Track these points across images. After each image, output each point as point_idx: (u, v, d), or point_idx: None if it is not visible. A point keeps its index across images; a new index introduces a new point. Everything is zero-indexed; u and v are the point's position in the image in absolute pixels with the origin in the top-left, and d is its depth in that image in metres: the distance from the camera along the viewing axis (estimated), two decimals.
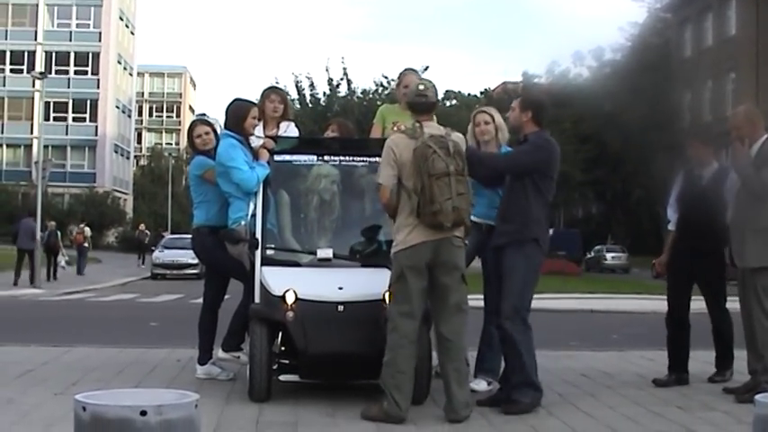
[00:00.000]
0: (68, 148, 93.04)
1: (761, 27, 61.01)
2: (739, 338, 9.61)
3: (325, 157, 9.40)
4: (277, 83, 52.86)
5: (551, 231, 74.55)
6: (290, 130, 10.28)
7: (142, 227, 64.19)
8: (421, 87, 8.32)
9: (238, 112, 9.42)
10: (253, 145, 9.40)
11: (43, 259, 37.43)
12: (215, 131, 10.00)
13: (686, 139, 10.36)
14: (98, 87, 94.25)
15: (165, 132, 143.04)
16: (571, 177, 66.93)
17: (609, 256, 69.52)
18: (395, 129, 9.86)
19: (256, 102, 9.92)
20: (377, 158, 8.44)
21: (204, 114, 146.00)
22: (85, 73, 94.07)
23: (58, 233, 41.67)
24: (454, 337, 7.95)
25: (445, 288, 7.93)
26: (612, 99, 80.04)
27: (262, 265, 8.77)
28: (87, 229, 49.80)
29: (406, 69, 10.37)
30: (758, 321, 9.03)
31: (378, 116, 10.45)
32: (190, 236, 10.73)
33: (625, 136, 76.20)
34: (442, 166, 7.68)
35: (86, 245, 46.87)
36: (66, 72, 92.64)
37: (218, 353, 9.80)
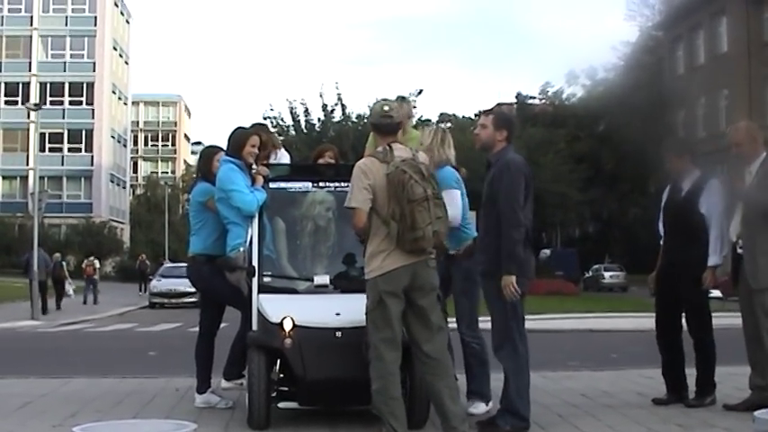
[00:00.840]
0: (64, 179, 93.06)
1: (752, 43, 61.19)
2: (741, 354, 9.56)
3: (320, 184, 9.41)
4: (272, 109, 53.19)
5: (548, 252, 74.90)
6: (281, 155, 10.31)
7: (143, 257, 64.87)
8: (386, 108, 8.09)
9: (239, 139, 9.49)
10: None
11: (51, 290, 39.11)
12: None
13: (663, 154, 10.29)
14: (93, 117, 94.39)
15: (161, 161, 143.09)
16: (567, 197, 67.03)
17: (607, 275, 69.65)
18: None
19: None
20: None
21: (200, 143, 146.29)
22: (80, 103, 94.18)
23: (63, 264, 43.76)
24: (440, 355, 7.86)
25: (424, 309, 7.82)
26: (606, 118, 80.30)
27: (259, 292, 8.77)
28: (96, 262, 51.07)
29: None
30: None
31: (369, 141, 10.43)
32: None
33: (620, 155, 76.43)
34: (421, 191, 7.54)
35: (96, 276, 48.07)
36: (61, 103, 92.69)
37: (221, 383, 9.77)
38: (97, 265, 50.32)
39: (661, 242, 10.10)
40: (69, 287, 43.63)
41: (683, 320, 9.84)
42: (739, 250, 9.31)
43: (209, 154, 10.10)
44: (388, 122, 8.05)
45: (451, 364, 8.10)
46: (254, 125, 10.65)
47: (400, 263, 7.65)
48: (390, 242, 7.63)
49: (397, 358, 7.76)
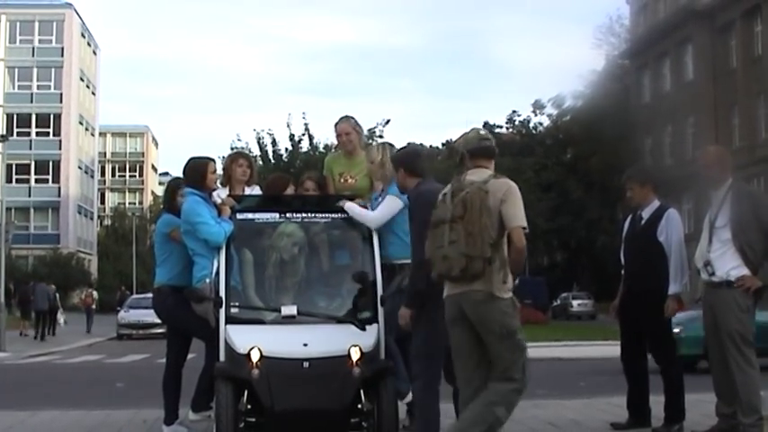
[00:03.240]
0: (31, 210, 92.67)
1: (718, 71, 61.73)
2: (709, 381, 9.58)
3: (288, 215, 9.40)
4: (239, 140, 53.10)
5: (517, 280, 75.13)
6: (254, 193, 10.32)
7: (123, 288, 66.74)
8: (482, 132, 7.94)
9: (198, 170, 9.49)
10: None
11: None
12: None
13: (624, 181, 10.34)
14: (60, 148, 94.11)
15: (129, 192, 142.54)
16: (535, 226, 67.16)
17: (575, 303, 69.82)
18: (342, 181, 9.92)
19: (218, 157, 10.01)
20: (337, 215, 8.50)
21: (167, 173, 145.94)
22: (47, 134, 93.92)
23: (57, 295, 47.20)
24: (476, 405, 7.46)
25: (488, 347, 7.57)
26: (573, 146, 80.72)
27: (226, 323, 8.74)
28: (95, 293, 55.98)
29: (342, 117, 10.41)
30: (737, 366, 9.03)
31: (326, 167, 10.50)
32: None
33: (587, 183, 76.81)
34: (441, 213, 7.40)
35: (94, 306, 51.84)
36: (28, 134, 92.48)
37: (189, 415, 9.73)
38: (95, 297, 54.49)
39: (623, 271, 10.19)
40: (61, 317, 48.05)
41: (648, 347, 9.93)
42: (704, 277, 9.33)
43: (173, 187, 10.11)
44: (487, 145, 7.90)
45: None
46: (237, 153, 10.74)
47: (447, 291, 7.54)
48: None
49: (465, 394, 7.56)
